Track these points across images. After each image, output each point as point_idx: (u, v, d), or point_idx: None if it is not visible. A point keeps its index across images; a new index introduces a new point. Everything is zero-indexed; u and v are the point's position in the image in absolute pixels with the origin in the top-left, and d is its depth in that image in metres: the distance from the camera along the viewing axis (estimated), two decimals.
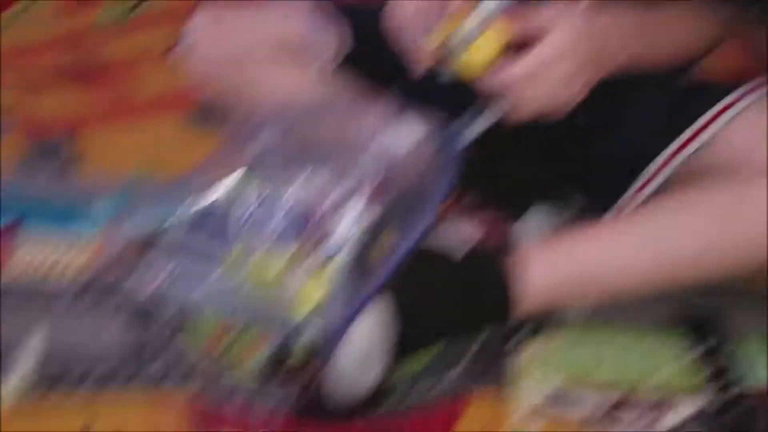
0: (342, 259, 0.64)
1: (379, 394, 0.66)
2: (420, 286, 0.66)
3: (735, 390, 0.70)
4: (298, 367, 0.63)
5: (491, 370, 0.73)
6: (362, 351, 0.63)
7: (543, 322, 0.75)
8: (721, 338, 0.74)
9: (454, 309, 0.68)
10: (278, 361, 0.63)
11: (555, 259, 0.69)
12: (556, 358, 0.74)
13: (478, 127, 0.66)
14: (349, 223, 0.65)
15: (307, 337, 0.62)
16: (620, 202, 0.75)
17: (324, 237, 0.65)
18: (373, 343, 0.63)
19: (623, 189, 0.76)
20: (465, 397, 0.70)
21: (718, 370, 0.72)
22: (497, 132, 0.68)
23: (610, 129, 0.78)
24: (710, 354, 0.73)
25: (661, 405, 0.70)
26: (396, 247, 0.65)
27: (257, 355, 0.63)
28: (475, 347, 0.73)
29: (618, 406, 0.70)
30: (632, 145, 0.77)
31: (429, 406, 0.70)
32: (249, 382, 0.65)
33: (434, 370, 0.72)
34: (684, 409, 0.69)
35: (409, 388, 0.71)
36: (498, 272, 0.69)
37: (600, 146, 0.79)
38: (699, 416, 0.68)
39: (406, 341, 0.65)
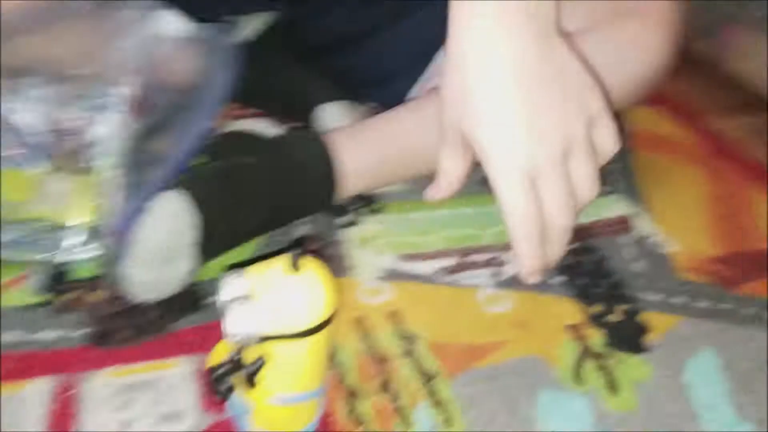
0: (108, 169, 0.67)
1: (191, 298, 0.68)
2: (223, 174, 0.67)
3: None
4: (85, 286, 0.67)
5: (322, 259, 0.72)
6: (158, 256, 0.64)
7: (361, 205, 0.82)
8: None
9: (273, 193, 0.70)
10: (54, 286, 0.67)
11: (363, 141, 0.75)
12: (384, 239, 0.80)
13: (251, 25, 0.67)
14: (109, 132, 0.67)
15: (85, 252, 0.66)
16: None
17: (81, 149, 0.67)
18: (170, 246, 0.64)
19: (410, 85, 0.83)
20: None
21: None
22: (273, 35, 0.71)
23: (391, 29, 0.84)
24: None
25: (497, 259, 0.78)
26: (172, 151, 0.66)
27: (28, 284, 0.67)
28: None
29: (456, 270, 0.77)
30: (416, 41, 0.82)
31: None
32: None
33: None
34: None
35: None
36: (319, 147, 0.73)
37: (382, 44, 0.85)
38: None
39: (212, 237, 0.65)
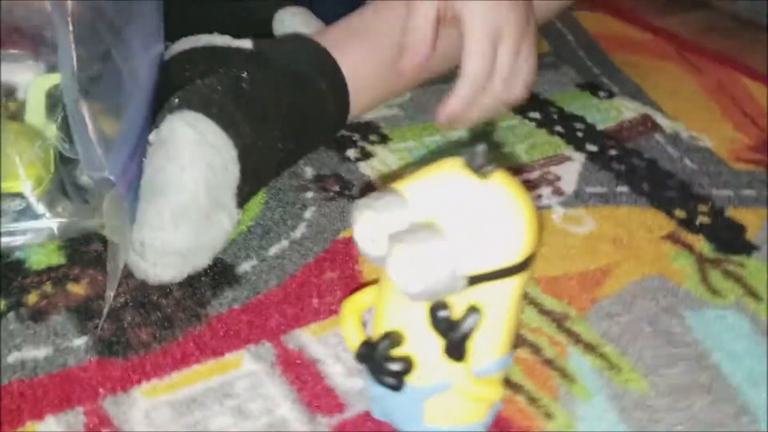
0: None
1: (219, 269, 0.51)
2: (230, 90, 0.52)
3: None
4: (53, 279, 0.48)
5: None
6: (196, 210, 0.47)
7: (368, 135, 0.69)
8: None
9: (289, 107, 0.57)
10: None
11: (356, 44, 0.64)
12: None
13: None
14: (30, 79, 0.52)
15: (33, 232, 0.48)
16: None
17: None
18: (213, 192, 0.48)
19: None
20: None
21: None
22: None
23: None
24: None
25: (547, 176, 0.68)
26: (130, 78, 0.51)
27: None
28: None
29: None
30: None
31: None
32: None
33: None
34: None
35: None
36: (315, 52, 0.62)
37: None
38: None
39: (246, 173, 0.51)
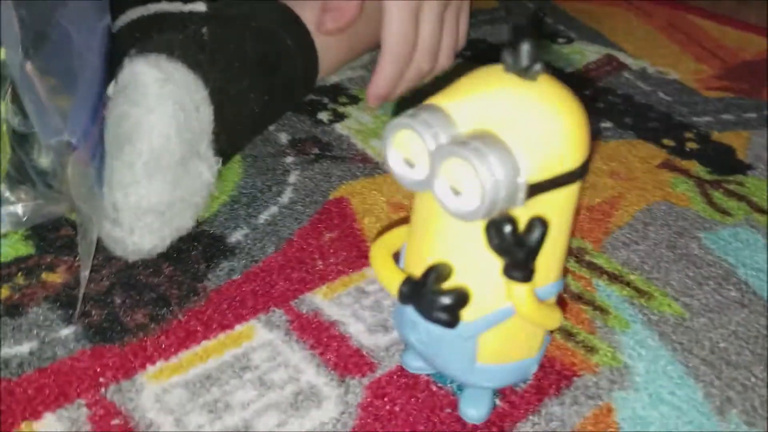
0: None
1: (208, 239, 0.45)
2: (195, 38, 0.48)
3: None
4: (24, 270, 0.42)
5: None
6: (168, 159, 0.42)
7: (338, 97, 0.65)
8: None
9: (260, 62, 0.53)
10: None
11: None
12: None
13: None
14: None
15: None
16: None
17: None
18: (186, 140, 0.43)
19: None
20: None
21: None
22: None
23: None
24: None
25: None
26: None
27: None
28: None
29: None
30: None
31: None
32: None
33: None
34: None
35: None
36: (278, 10, 0.58)
37: None
38: None
39: (221, 123, 0.46)
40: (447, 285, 0.32)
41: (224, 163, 0.51)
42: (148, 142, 0.40)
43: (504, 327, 0.33)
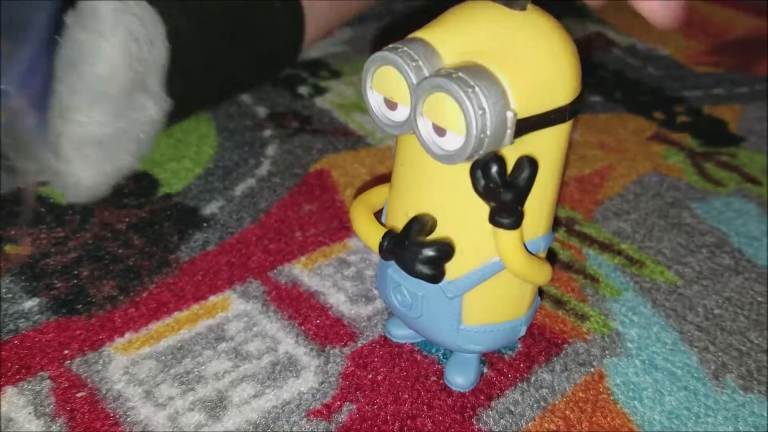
0: None
1: (178, 210, 0.44)
2: None
3: None
4: None
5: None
6: (118, 86, 0.41)
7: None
8: None
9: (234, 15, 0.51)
10: None
11: None
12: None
13: None
14: None
15: None
16: None
17: None
18: (136, 69, 0.42)
19: None
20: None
21: None
22: None
23: None
24: None
25: None
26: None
27: None
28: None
29: None
30: None
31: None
32: None
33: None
34: None
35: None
36: None
37: None
38: None
39: (178, 62, 0.45)
40: (431, 238, 0.30)
41: (187, 115, 0.50)
42: (94, 68, 0.39)
43: (491, 284, 0.31)
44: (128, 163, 0.44)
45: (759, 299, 0.41)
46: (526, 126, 0.27)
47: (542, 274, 0.31)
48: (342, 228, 0.44)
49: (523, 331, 0.34)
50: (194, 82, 0.49)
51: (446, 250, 0.29)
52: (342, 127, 0.55)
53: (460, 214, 0.29)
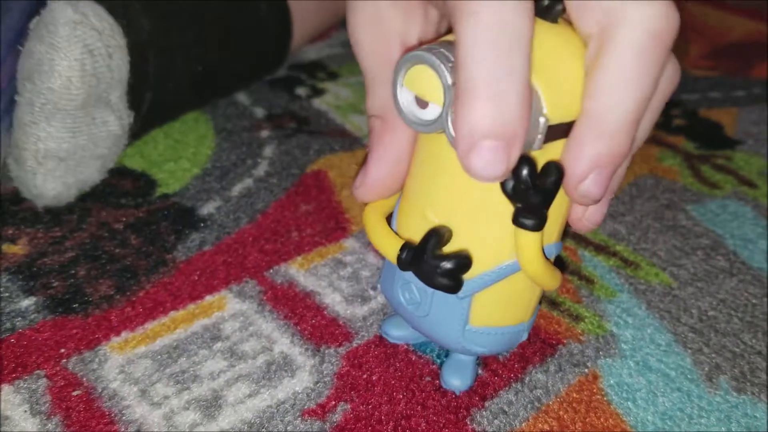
0: None
1: (175, 211, 0.44)
2: None
3: None
4: None
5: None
6: (80, 92, 0.40)
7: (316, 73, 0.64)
8: None
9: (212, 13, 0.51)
10: None
11: None
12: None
13: None
14: None
15: None
16: None
17: None
18: (92, 71, 0.41)
19: None
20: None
21: None
22: None
23: None
24: None
25: None
26: None
27: None
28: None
29: None
30: None
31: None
32: None
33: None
34: None
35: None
36: None
37: None
38: None
39: (140, 67, 0.45)
40: (448, 248, 0.30)
41: (162, 122, 0.50)
42: (48, 82, 0.39)
43: (501, 287, 0.31)
44: (93, 177, 0.44)
45: (753, 301, 0.41)
46: (555, 133, 0.27)
47: (555, 278, 0.31)
48: (338, 229, 0.45)
49: (524, 336, 0.34)
50: (167, 92, 0.49)
51: (464, 262, 0.30)
52: (339, 128, 0.55)
53: (480, 214, 0.29)
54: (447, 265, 0.29)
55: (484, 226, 0.30)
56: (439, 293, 0.31)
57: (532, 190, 0.27)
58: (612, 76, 0.26)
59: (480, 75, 0.24)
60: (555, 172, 0.27)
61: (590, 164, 0.27)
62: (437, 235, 0.30)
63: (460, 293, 0.31)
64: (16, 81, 0.41)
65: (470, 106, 0.24)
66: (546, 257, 0.31)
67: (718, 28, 0.81)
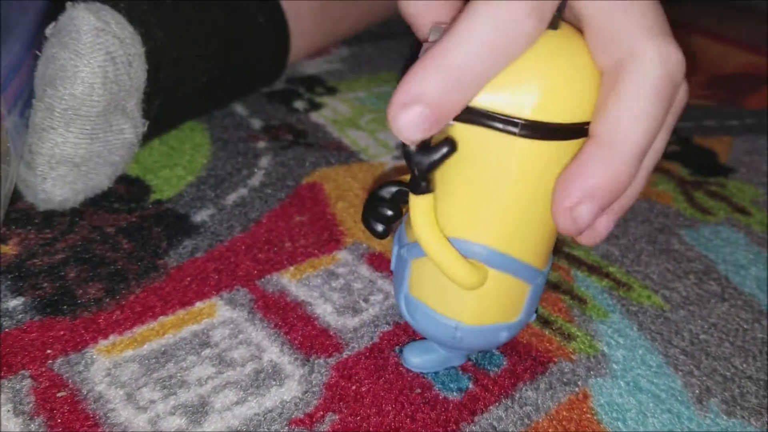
0: None
1: (168, 217, 0.44)
2: None
3: None
4: None
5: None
6: (94, 100, 0.40)
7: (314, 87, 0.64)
8: None
9: (217, 22, 0.51)
10: None
11: None
12: (371, 116, 0.61)
13: None
14: None
15: None
16: None
17: None
18: (112, 80, 0.41)
19: None
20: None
21: None
22: None
23: None
24: None
25: None
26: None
27: None
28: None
29: None
30: None
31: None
32: None
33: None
34: None
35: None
36: None
37: None
38: None
39: (157, 76, 0.45)
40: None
41: (162, 131, 0.50)
42: (70, 88, 0.39)
43: (432, 266, 0.31)
44: (102, 184, 0.44)
45: (744, 326, 0.41)
46: (534, 130, 0.27)
47: (457, 266, 0.30)
48: (332, 240, 0.44)
49: (464, 342, 0.33)
50: (175, 102, 0.49)
51: (395, 213, 0.32)
52: (335, 142, 0.55)
53: (439, 188, 0.31)
54: (384, 209, 0.32)
55: (439, 198, 0.31)
56: (404, 248, 0.33)
57: (420, 155, 0.28)
58: (627, 105, 0.27)
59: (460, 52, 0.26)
60: (446, 145, 0.27)
61: (590, 188, 0.27)
62: (396, 184, 0.32)
63: (404, 252, 0.32)
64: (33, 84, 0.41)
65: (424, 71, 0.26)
66: (457, 252, 0.30)
67: (714, 60, 0.82)
